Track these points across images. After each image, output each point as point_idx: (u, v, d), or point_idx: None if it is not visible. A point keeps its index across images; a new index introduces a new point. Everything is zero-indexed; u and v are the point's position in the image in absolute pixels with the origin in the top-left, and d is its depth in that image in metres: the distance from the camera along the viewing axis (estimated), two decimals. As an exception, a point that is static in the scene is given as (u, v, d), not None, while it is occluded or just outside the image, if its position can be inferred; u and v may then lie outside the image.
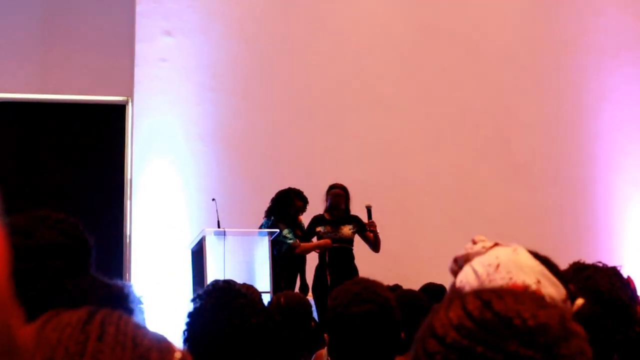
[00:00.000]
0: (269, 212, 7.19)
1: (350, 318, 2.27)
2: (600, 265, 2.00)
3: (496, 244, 1.57)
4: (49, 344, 0.89)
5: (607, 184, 9.32)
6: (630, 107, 9.47)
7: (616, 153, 9.37)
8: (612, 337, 1.84)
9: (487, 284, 1.44)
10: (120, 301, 1.60)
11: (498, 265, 1.48)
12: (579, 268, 1.99)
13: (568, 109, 9.47)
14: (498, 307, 0.97)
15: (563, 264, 2.11)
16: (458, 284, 1.50)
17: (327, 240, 7.06)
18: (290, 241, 6.94)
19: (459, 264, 1.56)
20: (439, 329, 0.98)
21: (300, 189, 7.27)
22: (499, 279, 1.45)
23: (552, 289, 1.45)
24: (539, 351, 0.93)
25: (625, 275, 1.98)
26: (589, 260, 2.04)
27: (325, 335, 2.35)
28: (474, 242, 1.58)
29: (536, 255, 1.51)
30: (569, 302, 1.47)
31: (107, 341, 0.88)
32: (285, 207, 7.15)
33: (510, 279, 1.45)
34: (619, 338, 1.84)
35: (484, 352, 0.94)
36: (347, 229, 7.16)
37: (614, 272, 1.97)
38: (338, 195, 7.24)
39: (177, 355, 0.91)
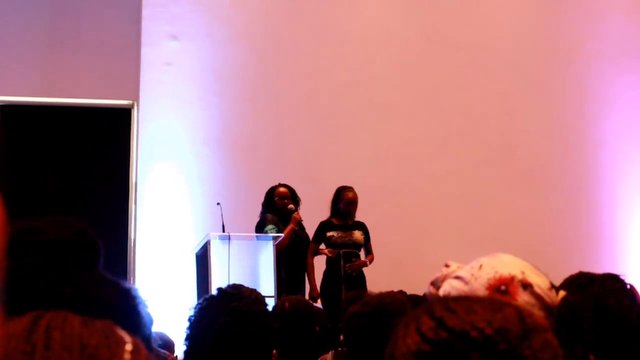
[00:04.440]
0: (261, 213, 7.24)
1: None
2: (607, 276, 1.99)
3: None
4: None
5: (611, 190, 9.30)
6: (634, 113, 9.46)
7: (620, 159, 9.36)
8: (620, 352, 1.84)
9: (474, 283, 1.47)
10: (127, 298, 1.61)
11: (481, 266, 1.51)
12: (583, 279, 1.98)
13: (572, 115, 9.46)
14: (451, 323, 0.95)
15: (566, 270, 2.11)
16: (442, 294, 1.51)
17: (295, 216, 6.96)
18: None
19: (436, 285, 1.58)
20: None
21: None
22: (484, 275, 1.48)
23: (537, 279, 1.48)
24: (502, 357, 0.92)
25: (629, 285, 1.98)
26: (593, 267, 2.04)
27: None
28: (447, 266, 1.60)
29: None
30: (554, 291, 1.49)
31: (54, 348, 0.86)
32: (268, 196, 7.21)
33: (496, 272, 1.48)
34: (628, 353, 1.84)
35: None
36: (358, 234, 7.18)
37: (619, 283, 1.97)
38: (352, 201, 7.22)
39: (128, 347, 0.89)
